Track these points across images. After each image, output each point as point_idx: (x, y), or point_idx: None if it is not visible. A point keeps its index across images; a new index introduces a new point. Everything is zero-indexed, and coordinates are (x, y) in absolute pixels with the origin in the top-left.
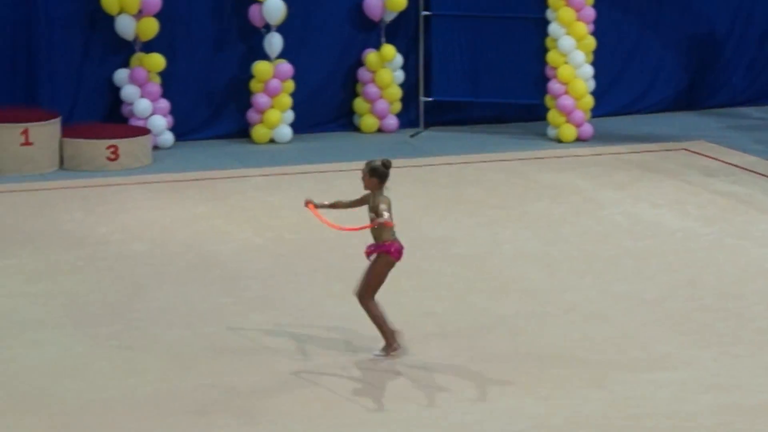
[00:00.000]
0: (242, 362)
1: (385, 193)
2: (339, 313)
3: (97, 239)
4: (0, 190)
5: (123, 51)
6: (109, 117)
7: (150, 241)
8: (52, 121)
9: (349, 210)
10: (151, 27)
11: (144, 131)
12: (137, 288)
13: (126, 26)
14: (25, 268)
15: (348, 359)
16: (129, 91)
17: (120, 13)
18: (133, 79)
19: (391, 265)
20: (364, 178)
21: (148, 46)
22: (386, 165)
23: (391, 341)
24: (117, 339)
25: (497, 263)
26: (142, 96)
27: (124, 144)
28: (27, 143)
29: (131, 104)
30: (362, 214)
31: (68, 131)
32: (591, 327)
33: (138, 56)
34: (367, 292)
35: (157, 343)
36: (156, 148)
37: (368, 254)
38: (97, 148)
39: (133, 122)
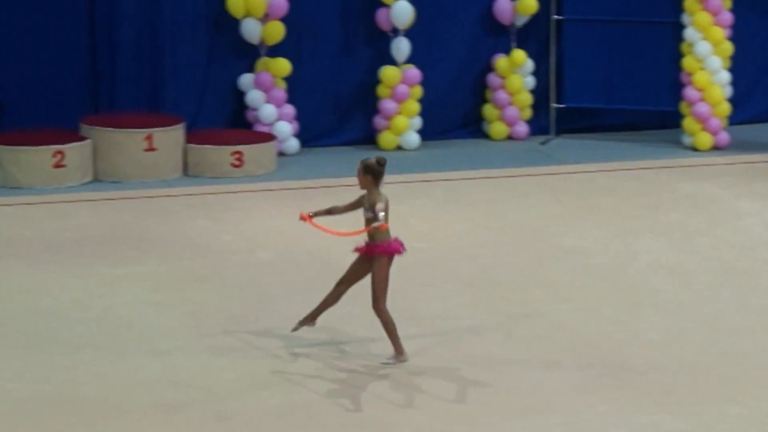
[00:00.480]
0: (367, 373)
1: (382, 191)
2: (468, 324)
3: (221, 247)
4: (123, 196)
5: (248, 55)
6: (234, 123)
7: (275, 250)
8: (176, 126)
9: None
10: (277, 31)
11: (269, 137)
12: (262, 298)
13: (252, 30)
14: (148, 276)
15: (479, 370)
16: (254, 97)
17: (246, 16)
18: (258, 84)
19: (390, 262)
20: (358, 177)
21: (274, 50)
22: (380, 163)
23: (401, 350)
24: (244, 351)
25: (631, 275)
26: (268, 101)
27: (248, 150)
28: (151, 149)
29: (256, 110)
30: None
31: (192, 137)
32: (729, 342)
33: (263, 61)
34: (380, 300)
35: (282, 353)
36: (281, 154)
37: (365, 252)
38: (221, 154)
39: (258, 128)
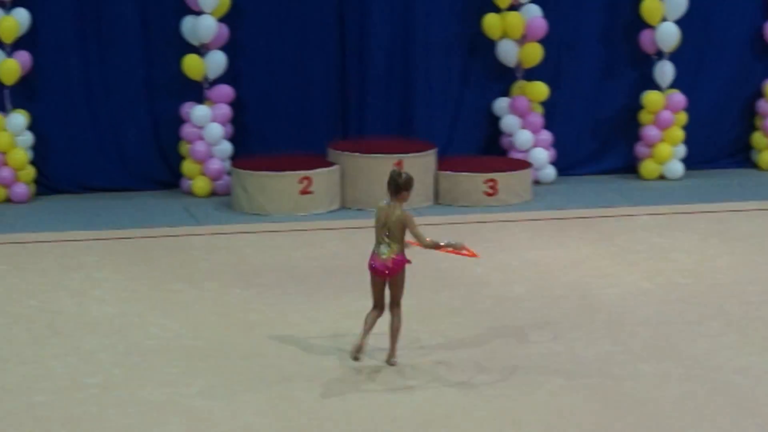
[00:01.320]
0: (626, 413)
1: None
2: (734, 366)
3: (473, 280)
4: (372, 225)
5: (504, 78)
6: (488, 149)
7: (530, 283)
8: (428, 152)
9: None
10: (534, 53)
11: (525, 165)
12: (517, 333)
13: (508, 52)
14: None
15: (746, 418)
16: (509, 122)
17: (502, 37)
18: (513, 109)
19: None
20: (407, 195)
21: (531, 73)
22: (404, 176)
23: (395, 352)
24: (495, 387)
25: None
26: (523, 127)
27: (503, 178)
28: None
29: (511, 135)
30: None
31: (444, 164)
32: None
33: (520, 84)
34: (399, 301)
35: (537, 392)
36: (537, 183)
37: (394, 270)
38: (474, 182)
39: (513, 155)
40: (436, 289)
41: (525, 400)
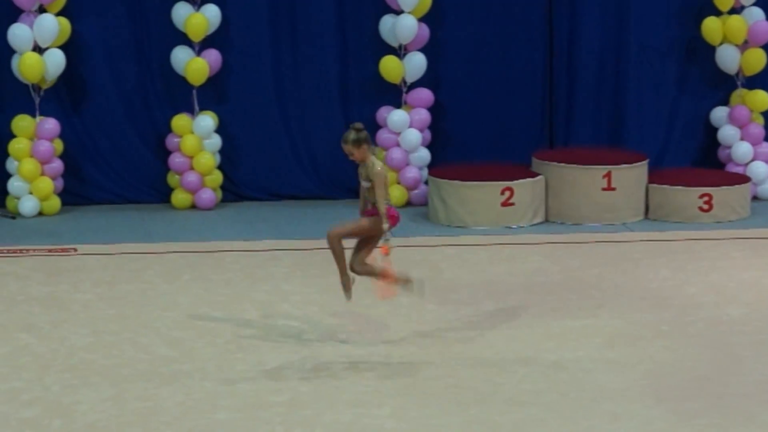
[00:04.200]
0: None
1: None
2: None
3: (684, 301)
4: (577, 240)
5: (723, 86)
6: (703, 161)
7: (746, 306)
8: (639, 164)
9: None
10: (757, 59)
11: (743, 179)
12: (731, 359)
13: (728, 58)
14: (602, 330)
15: None
16: (727, 133)
17: (722, 42)
18: (732, 119)
19: (379, 231)
20: (353, 152)
21: (753, 82)
22: (359, 128)
23: (348, 281)
24: (705, 416)
25: None
26: (742, 138)
27: (719, 193)
28: (609, 188)
29: (729, 147)
30: None
31: (655, 176)
32: None
33: (740, 92)
34: (342, 233)
35: (750, 425)
36: (755, 198)
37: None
38: (688, 196)
39: (731, 168)
40: (643, 310)
41: (737, 431)
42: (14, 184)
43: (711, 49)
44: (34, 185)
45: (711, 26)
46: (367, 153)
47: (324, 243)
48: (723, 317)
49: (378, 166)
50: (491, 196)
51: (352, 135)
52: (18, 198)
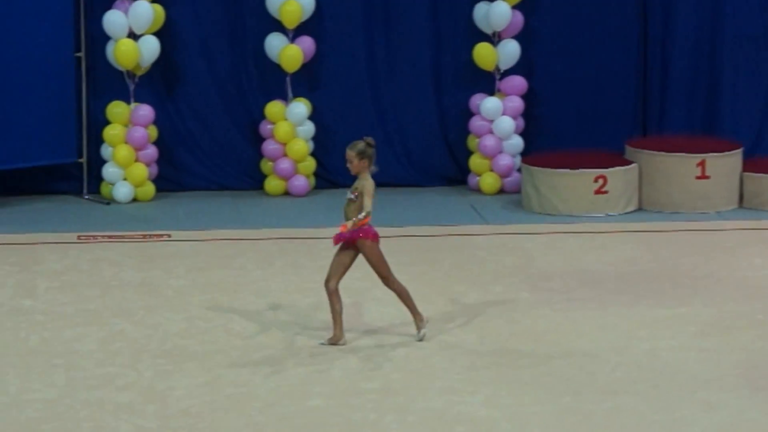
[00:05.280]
0: None
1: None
2: None
3: None
4: (671, 228)
5: None
6: None
7: None
8: (733, 152)
9: None
10: None
11: None
12: None
13: None
14: (696, 319)
15: None
16: None
17: None
18: None
19: (377, 242)
20: (352, 162)
21: None
22: (371, 144)
23: (341, 334)
24: None
25: None
26: None
27: None
28: (703, 176)
29: None
30: None
31: (751, 165)
32: None
33: None
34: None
35: None
36: None
37: (341, 240)
38: None
39: None
40: (737, 299)
41: None
42: (109, 171)
43: None
44: (129, 171)
45: None
46: (365, 169)
47: (416, 230)
48: None
49: (370, 180)
50: (584, 183)
51: (360, 146)
52: (112, 184)
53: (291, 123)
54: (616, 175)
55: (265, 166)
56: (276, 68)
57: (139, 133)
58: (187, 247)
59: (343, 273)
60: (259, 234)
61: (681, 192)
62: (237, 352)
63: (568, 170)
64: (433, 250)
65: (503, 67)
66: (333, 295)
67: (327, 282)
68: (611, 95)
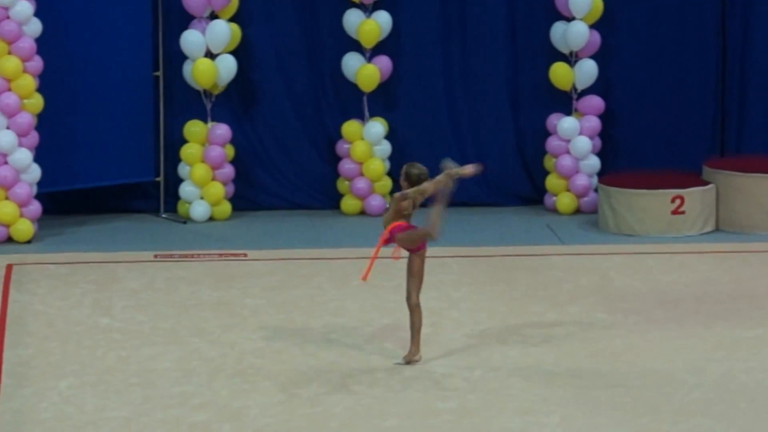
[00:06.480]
0: None
1: None
2: None
3: None
4: (749, 249)
5: None
6: None
7: None
8: None
9: None
10: None
11: None
12: None
13: None
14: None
15: None
16: None
17: None
18: None
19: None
20: (402, 182)
21: None
22: (423, 171)
23: (417, 350)
24: None
25: None
26: None
27: None
28: None
29: None
30: None
31: None
32: None
33: None
34: (414, 295)
35: None
36: None
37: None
38: None
39: None
40: None
41: None
42: (186, 189)
43: None
44: (206, 190)
45: None
46: (407, 191)
47: (492, 250)
48: None
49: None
50: (661, 204)
51: (416, 170)
52: (189, 203)
53: (368, 142)
54: (693, 195)
55: (342, 185)
56: (353, 87)
57: (216, 152)
58: (263, 266)
59: (420, 285)
60: (336, 253)
61: (759, 212)
62: (312, 372)
63: (645, 190)
64: (509, 270)
65: (580, 86)
66: (415, 309)
67: (408, 298)
68: (689, 115)
